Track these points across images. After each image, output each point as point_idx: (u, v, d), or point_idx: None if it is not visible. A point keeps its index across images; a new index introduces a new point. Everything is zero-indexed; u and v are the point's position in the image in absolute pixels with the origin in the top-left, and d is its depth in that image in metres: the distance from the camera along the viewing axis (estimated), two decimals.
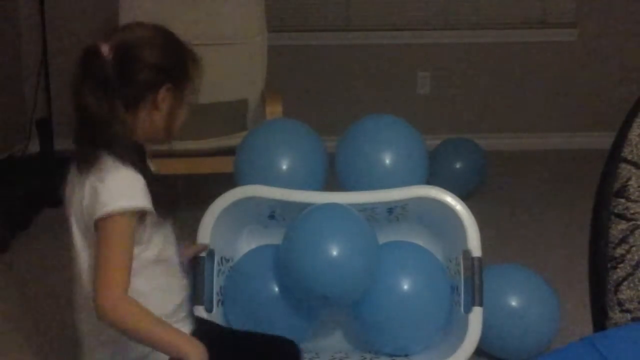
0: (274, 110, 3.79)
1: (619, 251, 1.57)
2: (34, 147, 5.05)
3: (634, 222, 1.56)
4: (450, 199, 2.51)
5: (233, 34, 4.29)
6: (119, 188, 1.81)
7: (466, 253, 2.42)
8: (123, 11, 4.25)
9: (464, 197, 4.20)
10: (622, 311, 1.56)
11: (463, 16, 5.25)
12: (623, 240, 1.57)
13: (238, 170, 2.63)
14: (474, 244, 2.42)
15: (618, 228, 1.58)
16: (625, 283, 1.56)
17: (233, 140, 3.85)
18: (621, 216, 1.57)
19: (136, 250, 1.85)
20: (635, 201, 1.56)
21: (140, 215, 1.84)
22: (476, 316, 2.33)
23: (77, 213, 1.90)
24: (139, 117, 1.89)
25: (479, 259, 2.39)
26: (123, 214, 1.79)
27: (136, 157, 1.86)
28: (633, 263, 1.56)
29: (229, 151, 3.83)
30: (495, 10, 5.25)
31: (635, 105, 1.61)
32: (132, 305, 1.76)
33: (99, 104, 1.83)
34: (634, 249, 1.56)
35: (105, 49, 1.86)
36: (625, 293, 1.56)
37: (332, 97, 5.29)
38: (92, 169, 1.84)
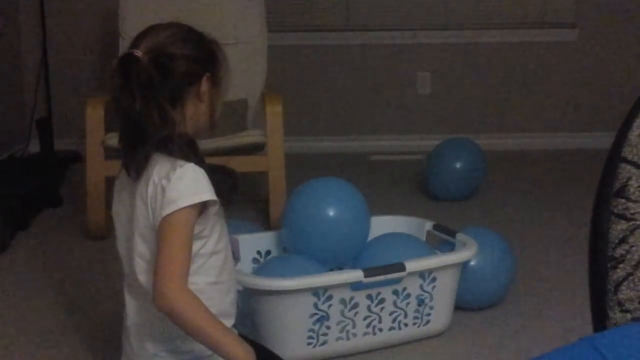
0: (274, 110, 3.79)
1: (619, 251, 1.57)
2: (34, 147, 5.05)
3: (634, 222, 1.56)
4: None
5: (233, 34, 4.28)
6: (185, 184, 1.85)
7: None
8: (123, 11, 4.25)
9: (464, 197, 4.26)
10: (622, 311, 1.56)
11: (463, 16, 5.25)
12: (623, 240, 1.57)
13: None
14: None
15: (618, 228, 1.57)
16: (625, 283, 1.56)
17: (233, 140, 3.86)
18: (621, 216, 1.57)
19: (197, 246, 1.89)
20: (635, 201, 1.56)
21: (202, 208, 1.88)
22: None
23: (129, 212, 1.98)
24: (186, 112, 1.93)
25: None
26: (188, 209, 1.83)
27: (191, 151, 1.90)
28: (633, 263, 1.56)
29: (229, 151, 3.83)
30: (495, 10, 5.25)
31: (635, 105, 1.61)
32: (192, 298, 1.81)
33: (146, 106, 1.86)
34: (634, 249, 1.56)
35: (139, 54, 1.89)
36: (625, 293, 1.56)
37: (332, 97, 5.29)
38: (149, 170, 1.88)
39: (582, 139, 5.28)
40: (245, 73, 4.27)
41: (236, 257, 2.19)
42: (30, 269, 3.44)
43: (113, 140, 3.77)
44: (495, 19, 5.26)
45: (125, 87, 1.88)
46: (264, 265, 2.72)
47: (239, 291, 2.54)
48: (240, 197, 2.07)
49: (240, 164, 3.83)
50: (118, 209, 2.01)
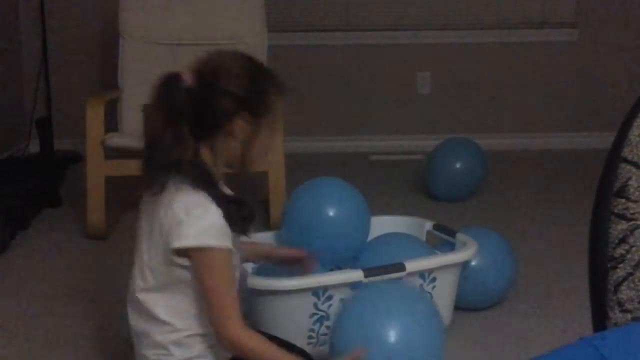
0: None
1: (619, 251, 1.57)
2: (34, 147, 5.05)
3: (634, 222, 1.56)
4: None
5: (233, 34, 4.28)
6: (206, 225, 1.88)
7: None
8: (123, 11, 4.24)
9: (464, 197, 4.26)
10: (622, 311, 1.56)
11: (463, 16, 5.25)
12: (623, 240, 1.57)
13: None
14: None
15: (618, 228, 1.57)
16: (625, 283, 1.56)
17: None
18: (621, 216, 1.57)
19: None
20: (635, 201, 1.56)
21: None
22: None
23: (149, 226, 1.97)
24: (215, 144, 1.94)
25: None
26: (219, 249, 1.87)
27: (208, 183, 1.91)
28: (633, 263, 1.56)
29: None
30: (495, 10, 5.25)
31: (635, 105, 1.61)
32: (253, 336, 1.92)
33: (166, 126, 1.88)
34: (634, 249, 1.56)
35: (187, 77, 1.90)
36: (625, 293, 1.56)
37: (332, 97, 5.29)
38: (170, 194, 1.90)
39: (582, 139, 5.28)
40: None
41: (242, 289, 2.20)
42: (30, 269, 3.44)
43: (113, 140, 3.78)
44: (495, 19, 5.26)
45: (159, 106, 1.91)
46: (264, 265, 2.72)
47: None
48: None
49: None
50: (142, 222, 2.03)
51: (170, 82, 1.91)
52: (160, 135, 1.88)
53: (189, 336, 1.98)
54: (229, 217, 1.89)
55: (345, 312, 2.34)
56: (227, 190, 2.02)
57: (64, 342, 2.78)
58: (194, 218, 1.87)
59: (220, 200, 1.90)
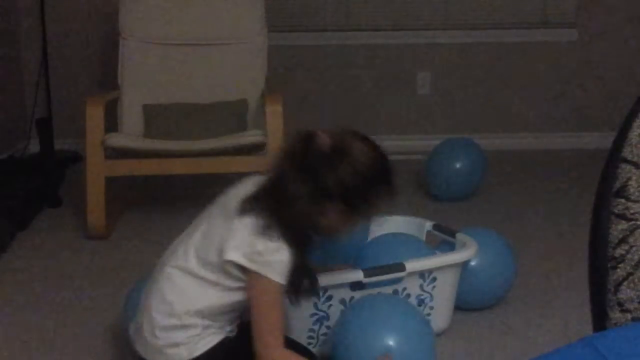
0: (274, 110, 3.79)
1: (619, 251, 1.57)
2: (34, 147, 5.05)
3: (634, 222, 1.56)
4: None
5: (233, 34, 4.29)
6: (276, 260, 1.95)
7: None
8: (123, 11, 4.25)
9: (464, 197, 4.25)
10: (622, 311, 1.56)
11: (463, 16, 5.25)
12: (623, 240, 1.57)
13: None
14: None
15: (618, 228, 1.57)
16: (625, 283, 1.56)
17: (233, 140, 3.86)
18: (621, 216, 1.57)
19: (234, 296, 2.01)
20: (635, 201, 1.56)
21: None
22: None
23: (220, 217, 2.03)
24: (319, 211, 2.00)
25: None
26: (276, 282, 1.95)
27: (301, 242, 1.99)
28: (633, 263, 1.56)
29: (229, 151, 3.84)
30: (495, 10, 5.25)
31: (635, 105, 1.61)
32: (291, 357, 2.02)
33: (295, 183, 1.96)
34: (634, 249, 1.56)
35: (325, 140, 1.97)
36: (625, 293, 1.56)
37: (332, 97, 5.29)
38: (259, 228, 1.95)
39: (582, 139, 5.28)
40: (245, 73, 4.28)
41: None
42: (30, 269, 3.44)
43: (113, 140, 3.78)
44: (495, 19, 5.26)
45: (292, 156, 1.98)
46: None
47: None
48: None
49: (240, 164, 3.84)
50: (214, 209, 2.09)
51: (309, 140, 1.98)
52: (291, 189, 1.95)
53: (182, 326, 2.03)
54: (293, 283, 2.00)
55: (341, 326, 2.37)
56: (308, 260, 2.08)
57: (63, 342, 2.78)
58: (269, 250, 1.94)
59: (299, 264, 1.98)
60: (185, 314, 2.02)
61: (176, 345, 2.03)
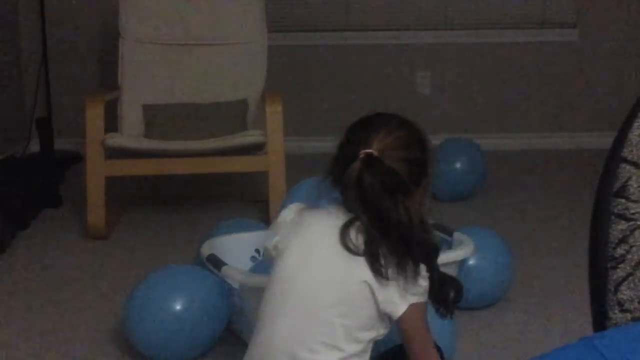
0: (274, 110, 3.79)
1: (619, 251, 1.57)
2: (34, 147, 5.05)
3: (634, 222, 1.56)
4: None
5: (233, 34, 4.29)
6: (426, 287, 1.90)
7: None
8: (123, 11, 4.24)
9: (464, 197, 4.25)
10: (622, 311, 1.56)
11: (463, 16, 5.25)
12: (623, 240, 1.57)
13: None
14: None
15: (618, 228, 1.58)
16: (625, 283, 1.56)
17: (233, 140, 3.86)
18: (621, 216, 1.57)
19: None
20: (635, 201, 1.56)
21: None
22: None
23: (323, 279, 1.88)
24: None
25: None
26: (424, 302, 1.90)
27: (429, 258, 1.96)
28: (633, 263, 1.56)
29: (229, 151, 3.84)
30: (495, 10, 5.25)
31: (635, 105, 1.61)
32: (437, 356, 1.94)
33: (395, 207, 1.94)
34: (634, 249, 1.56)
35: (377, 155, 1.95)
36: (625, 293, 1.56)
37: (332, 97, 5.29)
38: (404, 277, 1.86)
39: (582, 139, 5.28)
40: (245, 73, 4.28)
41: None
42: (30, 269, 3.44)
43: (113, 140, 3.78)
44: (495, 19, 5.26)
45: (382, 189, 1.92)
46: (262, 262, 2.72)
47: (236, 289, 2.55)
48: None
49: (240, 164, 3.84)
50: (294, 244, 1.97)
51: (370, 163, 1.98)
52: (396, 216, 1.94)
53: None
54: (442, 294, 1.97)
55: None
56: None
57: (62, 342, 2.78)
58: (422, 278, 1.88)
59: (435, 275, 1.94)
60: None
61: None
